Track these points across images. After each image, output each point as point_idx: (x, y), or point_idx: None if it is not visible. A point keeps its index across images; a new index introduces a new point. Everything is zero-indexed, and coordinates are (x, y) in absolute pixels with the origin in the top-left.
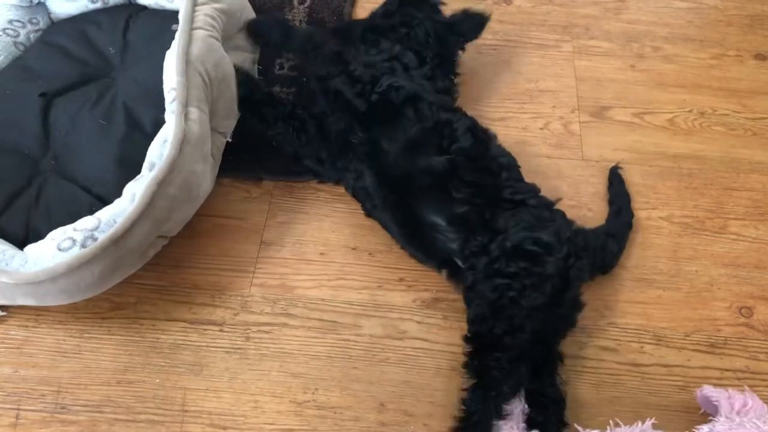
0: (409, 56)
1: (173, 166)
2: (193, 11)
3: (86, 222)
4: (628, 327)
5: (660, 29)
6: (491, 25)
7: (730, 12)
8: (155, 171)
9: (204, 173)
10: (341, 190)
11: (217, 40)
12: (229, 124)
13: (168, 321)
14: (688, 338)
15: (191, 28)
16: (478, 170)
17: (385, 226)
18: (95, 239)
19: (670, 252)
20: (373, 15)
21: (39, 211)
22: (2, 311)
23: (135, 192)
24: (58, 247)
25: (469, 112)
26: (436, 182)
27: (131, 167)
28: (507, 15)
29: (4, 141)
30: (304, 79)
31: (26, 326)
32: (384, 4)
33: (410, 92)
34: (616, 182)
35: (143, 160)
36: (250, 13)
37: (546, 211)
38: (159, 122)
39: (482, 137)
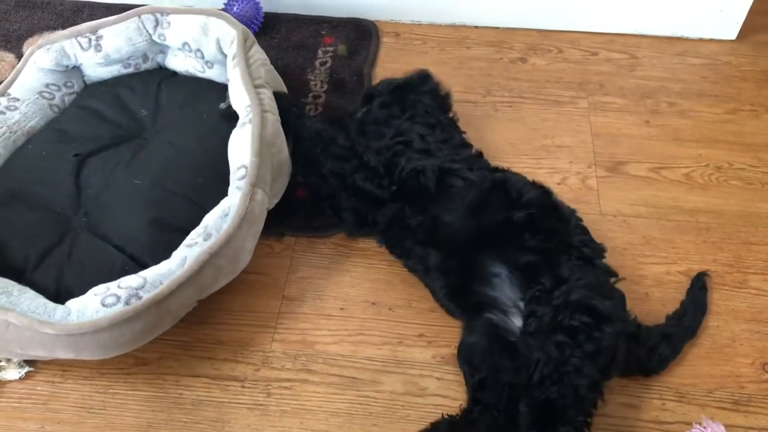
0: (418, 128)
1: (229, 241)
2: (258, 94)
3: (131, 280)
4: (650, 383)
5: (674, 85)
6: (507, 83)
7: (744, 68)
8: (211, 242)
9: (251, 249)
10: (361, 245)
11: (279, 123)
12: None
13: (191, 377)
14: (711, 395)
15: (262, 110)
16: (554, 218)
17: (426, 284)
18: (140, 298)
19: None
20: (368, 110)
21: (71, 268)
22: (29, 367)
23: (186, 257)
24: (102, 303)
25: None
26: (510, 235)
27: (164, 228)
28: (522, 73)
29: (37, 198)
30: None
31: (52, 381)
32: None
33: (435, 169)
34: (696, 288)
35: (176, 222)
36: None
37: (609, 279)
38: (195, 186)
39: (543, 188)
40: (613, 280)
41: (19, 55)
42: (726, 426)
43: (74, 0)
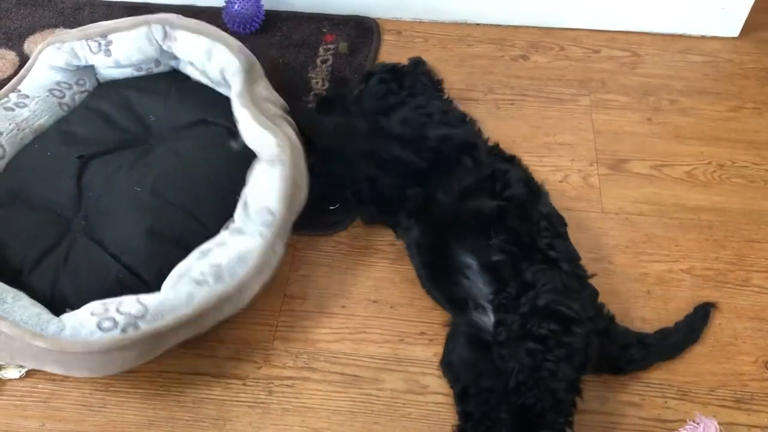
0: (438, 103)
1: (241, 289)
2: (280, 127)
3: (131, 306)
4: (652, 381)
5: (676, 82)
6: (509, 81)
7: (747, 65)
8: (222, 287)
9: (255, 292)
10: (362, 243)
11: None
12: None
13: (192, 375)
14: (713, 393)
15: (292, 149)
16: (521, 217)
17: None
18: (137, 328)
19: (692, 305)
20: (366, 87)
21: (67, 272)
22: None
23: (193, 295)
24: (99, 326)
25: None
26: (479, 225)
27: (161, 240)
28: (524, 70)
29: (38, 199)
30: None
31: (54, 379)
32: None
33: (463, 140)
34: (698, 315)
35: (173, 234)
36: None
37: (576, 281)
38: (195, 198)
39: (535, 189)
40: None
41: (20, 53)
42: (728, 424)
43: None
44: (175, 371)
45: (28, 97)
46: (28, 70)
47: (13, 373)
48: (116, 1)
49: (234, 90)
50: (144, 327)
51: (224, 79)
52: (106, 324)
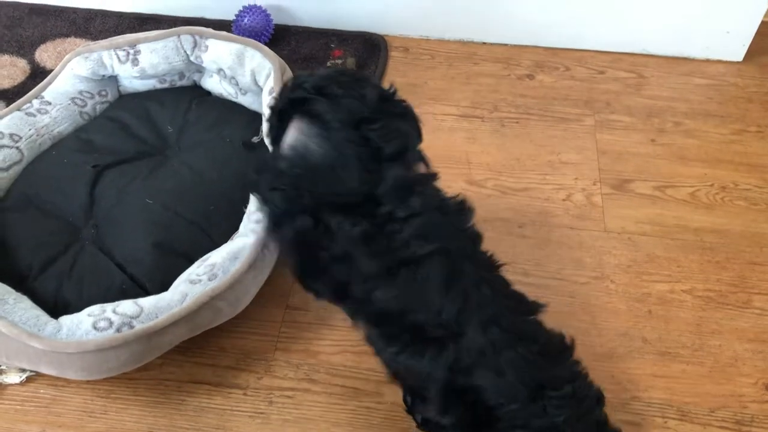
0: None
1: (233, 285)
2: None
3: (128, 307)
4: (652, 401)
5: (680, 105)
6: (514, 99)
7: (750, 89)
8: (215, 284)
9: (253, 294)
10: None
11: None
12: None
13: (193, 383)
14: (713, 414)
15: None
16: None
17: None
18: (131, 327)
19: (693, 326)
20: None
21: (71, 280)
22: (30, 371)
23: (187, 294)
24: (94, 326)
25: (492, 183)
26: None
27: (168, 253)
28: (529, 89)
29: (51, 205)
30: None
31: (55, 385)
32: None
33: None
34: None
35: (181, 247)
36: None
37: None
38: (205, 213)
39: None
40: None
41: (32, 61)
42: None
43: (87, 8)
44: (176, 379)
45: (50, 104)
46: (54, 78)
47: (13, 378)
48: (127, 12)
49: (267, 87)
50: (137, 327)
51: (255, 82)
52: (102, 324)
